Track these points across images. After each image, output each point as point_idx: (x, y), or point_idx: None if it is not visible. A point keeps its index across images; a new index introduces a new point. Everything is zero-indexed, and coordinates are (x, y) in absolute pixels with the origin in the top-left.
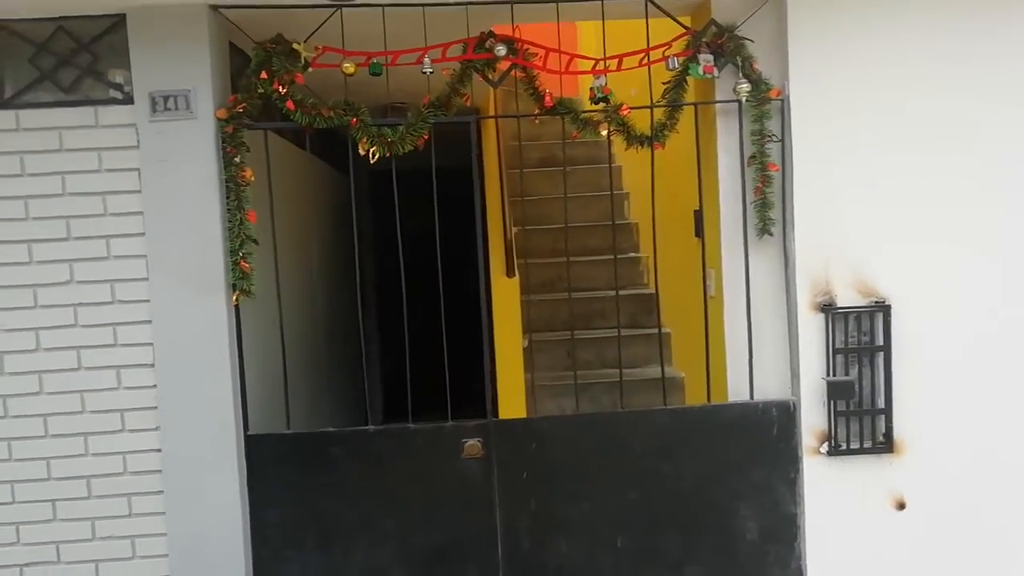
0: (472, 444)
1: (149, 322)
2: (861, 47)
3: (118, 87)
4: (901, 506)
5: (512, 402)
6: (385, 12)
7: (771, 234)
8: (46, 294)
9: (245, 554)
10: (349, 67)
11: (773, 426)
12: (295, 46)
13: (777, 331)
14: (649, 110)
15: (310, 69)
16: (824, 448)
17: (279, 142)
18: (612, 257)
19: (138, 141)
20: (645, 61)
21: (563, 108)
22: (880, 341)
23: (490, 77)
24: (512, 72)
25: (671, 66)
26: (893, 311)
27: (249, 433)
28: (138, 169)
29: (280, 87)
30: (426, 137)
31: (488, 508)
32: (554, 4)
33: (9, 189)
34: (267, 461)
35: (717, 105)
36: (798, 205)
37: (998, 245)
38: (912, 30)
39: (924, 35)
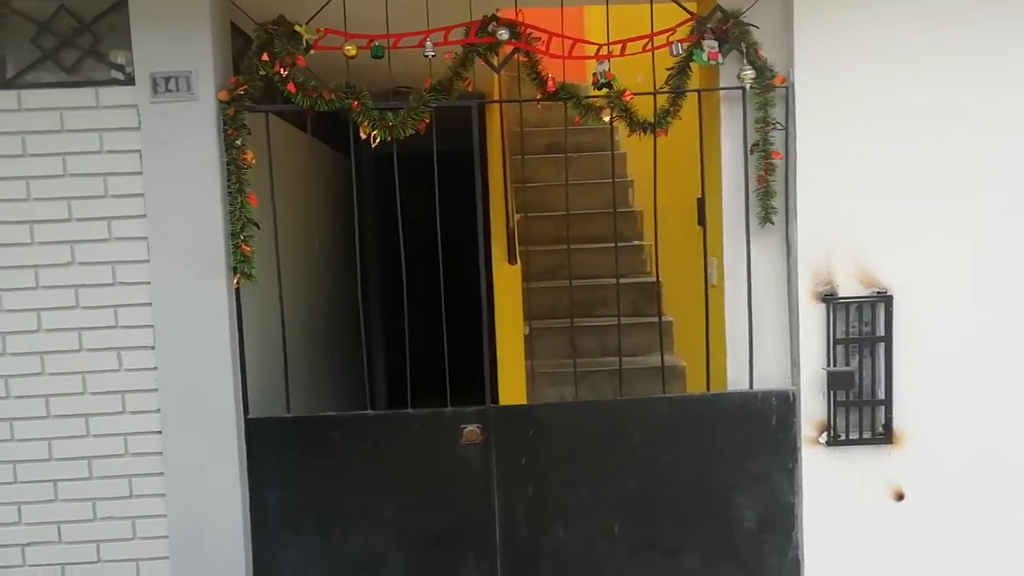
0: (471, 430)
1: (150, 304)
2: (867, 35)
3: (119, 68)
4: (900, 497)
5: (513, 389)
6: None
7: (773, 223)
8: (47, 275)
9: (245, 537)
10: (351, 50)
11: (772, 415)
12: (297, 28)
13: (778, 320)
14: (652, 96)
15: (312, 51)
16: (823, 438)
17: (281, 125)
18: (615, 245)
19: (139, 122)
20: (649, 47)
21: (565, 93)
22: (881, 332)
23: (492, 61)
24: (515, 57)
25: (675, 52)
26: (895, 302)
27: (249, 416)
28: (139, 150)
29: (282, 69)
30: (427, 121)
31: (486, 493)
32: None
33: (11, 169)
34: (267, 444)
35: (721, 92)
36: (801, 194)
37: (1002, 237)
38: (916, 20)
39: (929, 26)
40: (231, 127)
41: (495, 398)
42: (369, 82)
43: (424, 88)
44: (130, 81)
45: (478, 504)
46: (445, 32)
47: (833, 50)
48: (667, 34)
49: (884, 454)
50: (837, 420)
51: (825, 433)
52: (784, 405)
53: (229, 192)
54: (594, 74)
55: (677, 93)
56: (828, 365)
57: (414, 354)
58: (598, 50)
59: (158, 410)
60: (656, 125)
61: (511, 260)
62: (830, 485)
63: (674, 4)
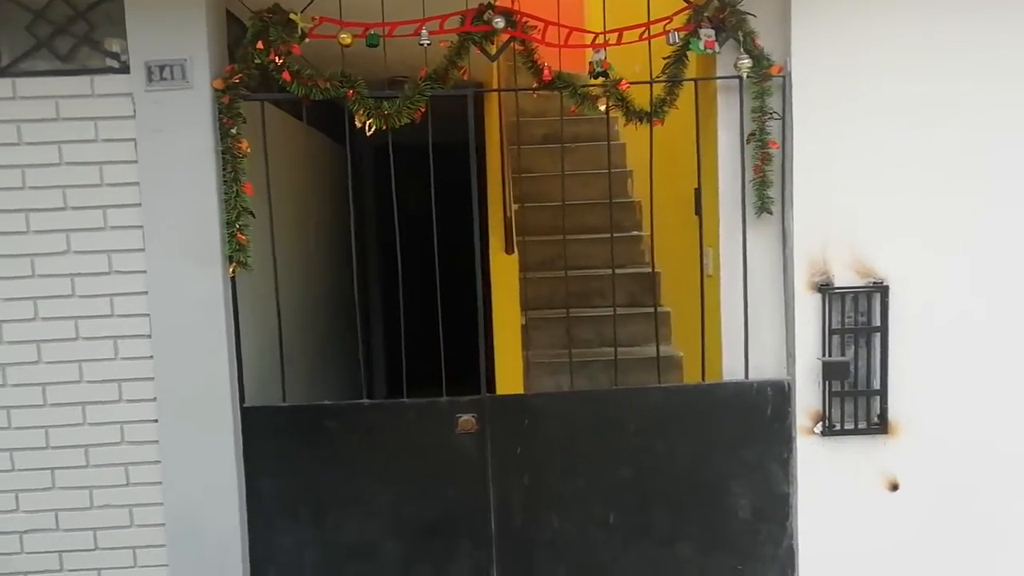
0: (466, 419)
1: (145, 293)
2: (865, 24)
3: (114, 56)
4: (894, 487)
5: (510, 379)
6: None
7: (770, 213)
8: (43, 263)
9: (240, 525)
10: (346, 38)
11: (767, 405)
12: (292, 16)
13: (774, 310)
14: (648, 86)
15: (307, 40)
16: (818, 428)
17: (276, 113)
18: (611, 235)
19: (134, 111)
20: (646, 35)
21: (561, 82)
22: (877, 322)
23: (488, 50)
24: (511, 45)
25: (672, 41)
26: (891, 292)
27: (245, 405)
28: (134, 139)
29: (277, 58)
30: (423, 110)
31: (482, 483)
32: None
33: (6, 158)
34: (263, 433)
35: (718, 81)
36: (797, 184)
37: (999, 228)
38: (915, 9)
39: (928, 15)
40: (226, 116)
41: (491, 388)
42: (365, 71)
43: (420, 77)
44: (125, 69)
45: (473, 493)
46: (441, 20)
47: (831, 39)
48: (664, 22)
49: (879, 444)
50: (832, 410)
51: (820, 423)
52: (779, 395)
53: (224, 181)
54: (590, 63)
55: (674, 82)
56: (824, 355)
57: (412, 344)
58: (594, 38)
59: (154, 399)
60: (652, 114)
61: (508, 250)
62: (825, 475)
63: None
